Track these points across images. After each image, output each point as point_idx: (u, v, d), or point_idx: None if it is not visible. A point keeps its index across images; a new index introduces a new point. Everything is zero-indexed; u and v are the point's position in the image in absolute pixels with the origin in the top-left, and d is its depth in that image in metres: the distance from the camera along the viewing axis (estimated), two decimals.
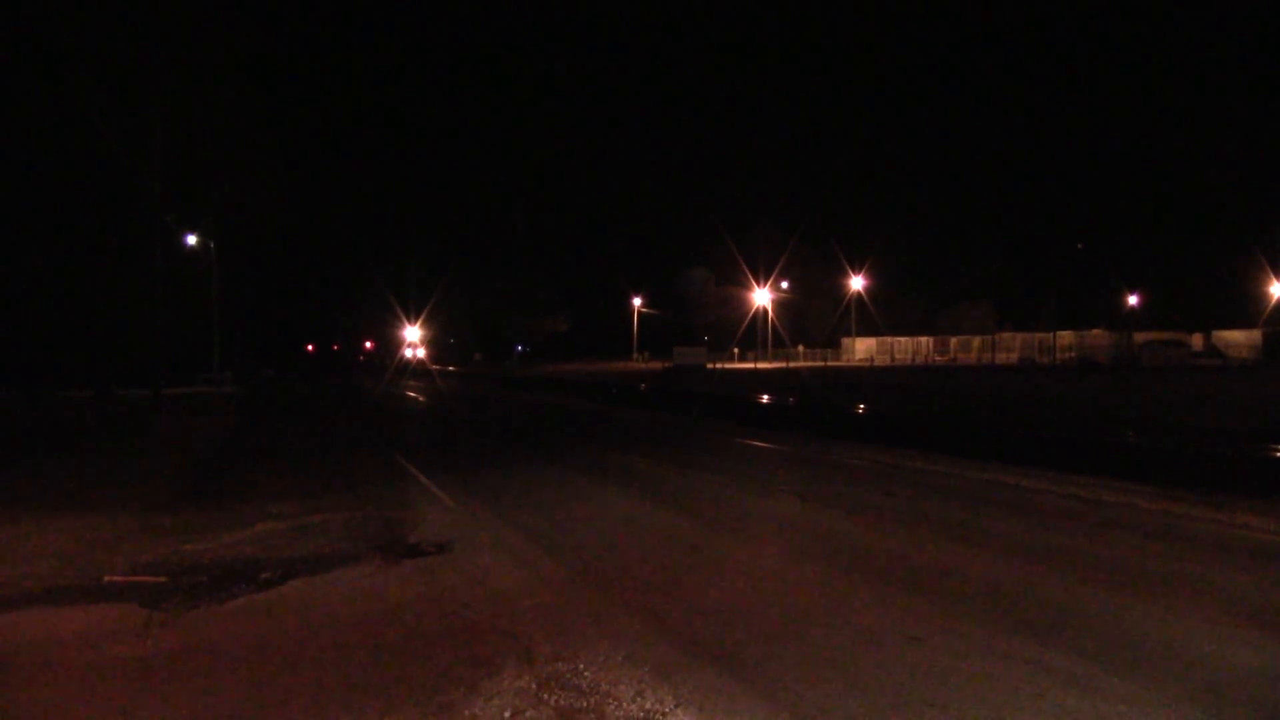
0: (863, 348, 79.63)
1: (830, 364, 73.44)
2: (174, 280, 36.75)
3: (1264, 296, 71.38)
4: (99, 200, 32.38)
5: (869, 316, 79.09)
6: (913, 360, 72.98)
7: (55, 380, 37.53)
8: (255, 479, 13.10)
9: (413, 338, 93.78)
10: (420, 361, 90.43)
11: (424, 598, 6.66)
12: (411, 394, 39.71)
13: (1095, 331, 64.83)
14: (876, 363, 72.47)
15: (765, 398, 27.51)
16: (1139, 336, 62.04)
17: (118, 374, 38.30)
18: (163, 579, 7.21)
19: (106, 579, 7.25)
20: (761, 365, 71.19)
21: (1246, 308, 70.73)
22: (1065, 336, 64.19)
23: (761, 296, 76.23)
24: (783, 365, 69.34)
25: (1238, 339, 60.12)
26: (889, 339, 78.72)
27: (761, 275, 74.95)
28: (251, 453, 17.01)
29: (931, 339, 76.11)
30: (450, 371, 77.57)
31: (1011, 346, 67.72)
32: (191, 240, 39.66)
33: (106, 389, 35.35)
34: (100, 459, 15.78)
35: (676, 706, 4.55)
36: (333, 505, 10.62)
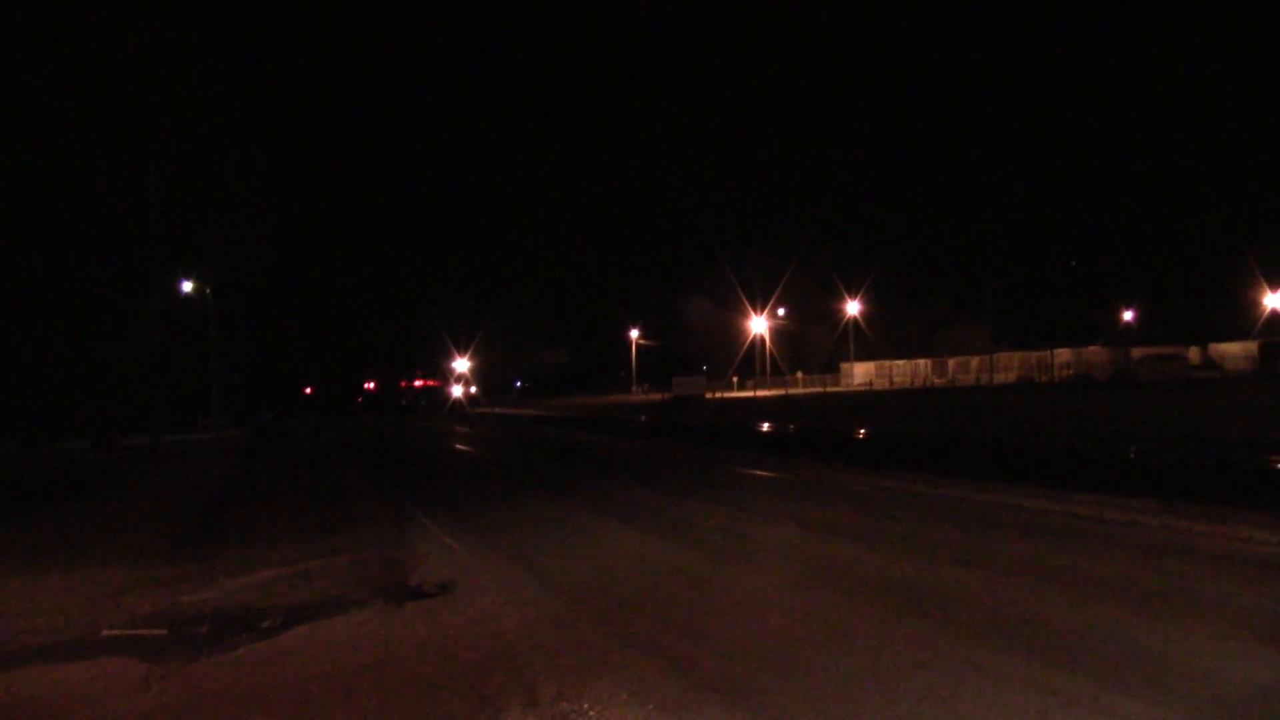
0: (861, 372, 79.66)
1: (829, 389, 73.45)
2: (171, 326, 36.79)
3: (1258, 308, 71.55)
4: (94, 247, 32.52)
5: (866, 340, 79.29)
6: (911, 383, 72.95)
7: (53, 429, 37.38)
8: (254, 524, 13.02)
9: (462, 369, 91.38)
10: (475, 396, 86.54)
11: (427, 640, 6.61)
12: (455, 441, 39.53)
13: (1092, 348, 64.89)
14: (875, 386, 72.49)
15: (765, 426, 27.50)
16: (1136, 351, 62.15)
17: (116, 422, 38.17)
18: (162, 631, 7.15)
19: (105, 633, 7.19)
20: (760, 393, 71.23)
21: (1242, 320, 70.89)
22: (1063, 354, 64.23)
23: (759, 324, 76.54)
24: (781, 392, 69.40)
25: (1234, 351, 60.14)
26: (887, 363, 78.74)
27: (759, 303, 75.46)
28: (250, 498, 16.92)
29: (930, 361, 76.07)
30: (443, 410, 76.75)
31: (1010, 366, 67.64)
32: (188, 286, 39.76)
33: (105, 437, 35.24)
34: (98, 509, 15.71)
35: None
36: (333, 548, 10.56)
